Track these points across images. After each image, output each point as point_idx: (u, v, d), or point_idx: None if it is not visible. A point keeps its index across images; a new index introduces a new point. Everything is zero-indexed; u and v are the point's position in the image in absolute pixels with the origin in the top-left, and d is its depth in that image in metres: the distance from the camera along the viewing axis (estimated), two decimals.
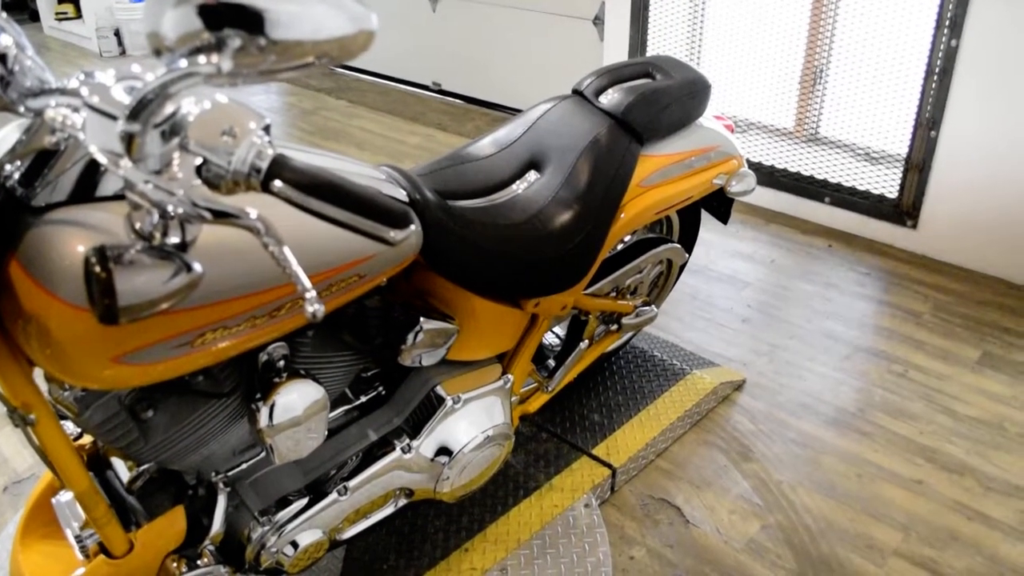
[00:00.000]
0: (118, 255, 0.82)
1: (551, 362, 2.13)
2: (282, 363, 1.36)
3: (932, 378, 2.56)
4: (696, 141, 2.01)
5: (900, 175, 3.30)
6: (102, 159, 0.85)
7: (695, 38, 3.88)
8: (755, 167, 3.70)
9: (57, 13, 7.20)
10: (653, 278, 2.28)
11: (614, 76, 1.94)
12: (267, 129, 0.87)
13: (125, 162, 0.83)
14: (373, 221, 0.88)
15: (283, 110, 5.31)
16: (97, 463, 1.48)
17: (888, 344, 2.73)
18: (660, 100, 1.90)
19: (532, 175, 1.79)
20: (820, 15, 3.46)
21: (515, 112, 4.93)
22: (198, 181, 0.86)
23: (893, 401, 2.46)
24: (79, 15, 7.00)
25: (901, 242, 3.34)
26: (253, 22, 0.73)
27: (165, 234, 0.87)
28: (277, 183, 0.84)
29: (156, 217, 0.87)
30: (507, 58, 4.87)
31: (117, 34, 6.61)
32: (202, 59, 0.75)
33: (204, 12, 0.73)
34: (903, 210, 3.31)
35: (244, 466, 1.50)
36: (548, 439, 2.20)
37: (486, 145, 1.82)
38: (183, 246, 0.89)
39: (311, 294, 0.85)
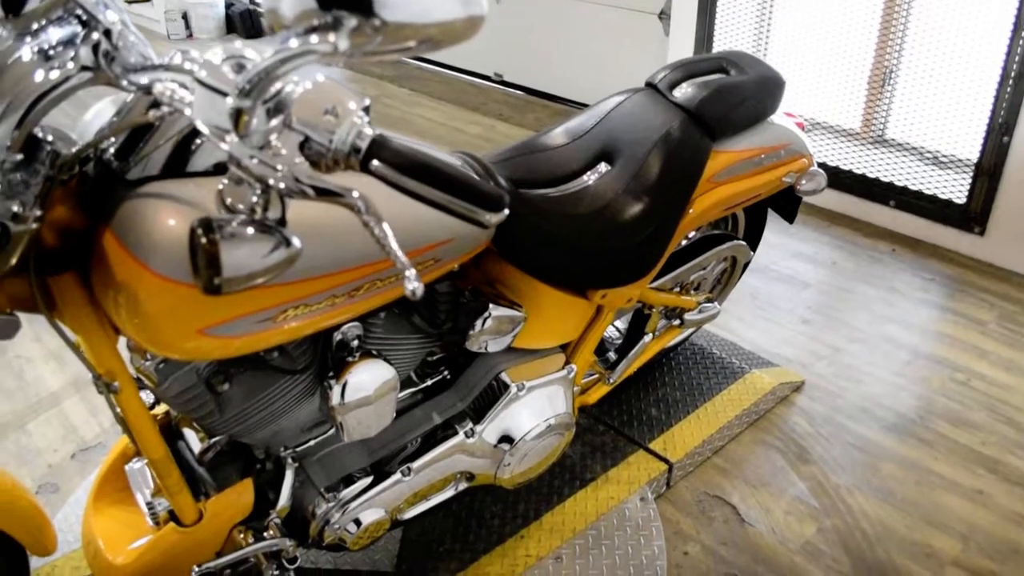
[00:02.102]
0: (222, 227, 0.84)
1: (612, 355, 2.13)
2: (356, 343, 1.39)
3: (995, 388, 2.51)
4: (767, 138, 1.99)
5: (969, 180, 3.23)
6: (208, 133, 0.87)
7: (762, 35, 3.83)
8: (819, 167, 3.64)
9: None
10: (717, 275, 2.27)
11: (688, 70, 1.93)
12: (367, 110, 0.89)
13: (231, 137, 0.86)
14: (469, 203, 0.90)
15: None
16: (169, 434, 1.52)
17: (951, 351, 2.68)
18: (734, 95, 1.89)
19: (603, 167, 1.79)
20: (892, 14, 3.40)
21: (577, 105, 4.93)
22: (300, 158, 0.88)
23: (955, 409, 2.42)
24: None
25: (967, 249, 3.27)
26: (366, 2, 0.75)
27: (266, 209, 0.90)
28: (376, 163, 0.86)
29: (257, 192, 0.89)
30: (570, 51, 4.86)
31: (185, 17, 6.74)
32: (317, 38, 0.77)
33: None
34: (971, 216, 3.24)
35: (312, 443, 1.53)
36: (605, 431, 2.21)
37: (558, 135, 1.83)
38: (283, 221, 0.92)
39: (411, 272, 0.87)
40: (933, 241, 3.37)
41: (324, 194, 0.88)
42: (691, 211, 1.84)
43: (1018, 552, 1.94)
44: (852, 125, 3.70)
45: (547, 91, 5.11)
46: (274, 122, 0.88)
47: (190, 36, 6.81)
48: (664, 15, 4.26)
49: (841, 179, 3.60)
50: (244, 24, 6.71)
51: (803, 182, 2.07)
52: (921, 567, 1.90)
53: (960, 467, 2.20)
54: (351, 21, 0.76)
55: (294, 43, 0.79)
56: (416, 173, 0.87)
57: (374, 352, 1.43)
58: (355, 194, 0.88)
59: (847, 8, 3.54)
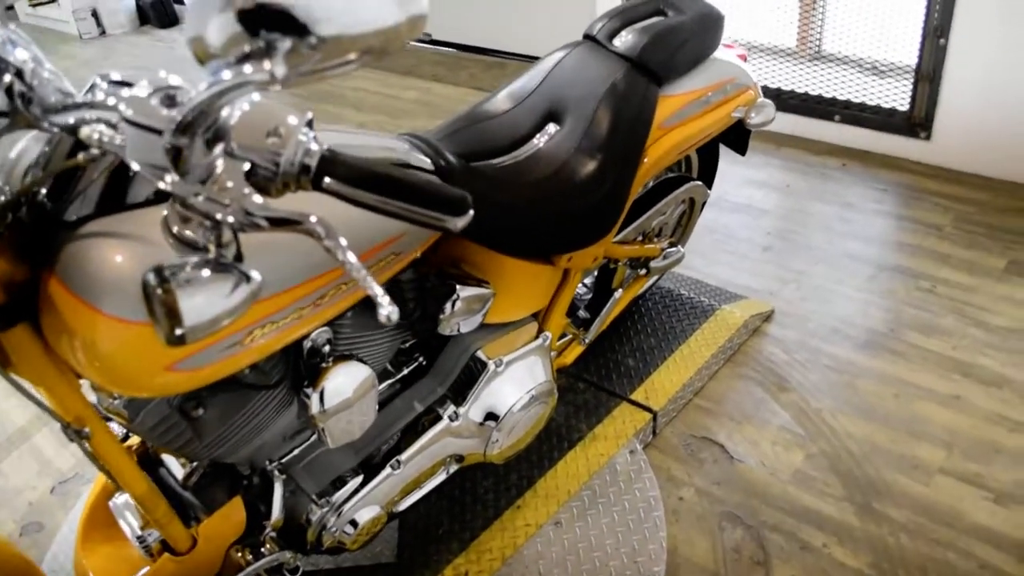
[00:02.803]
0: (176, 273, 0.80)
1: (583, 313, 2.12)
2: (327, 348, 1.35)
3: (960, 291, 2.55)
4: (712, 75, 1.96)
5: (910, 87, 3.24)
6: (147, 175, 0.82)
7: None
8: (762, 90, 3.63)
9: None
10: (677, 218, 2.26)
11: (626, 17, 1.89)
12: (310, 124, 0.84)
13: (171, 176, 0.81)
14: (431, 210, 0.86)
15: None
16: (149, 461, 1.48)
17: (912, 260, 2.72)
18: (675, 38, 1.85)
19: (552, 127, 1.75)
20: None
21: (511, 57, 4.85)
22: (248, 188, 0.83)
23: (923, 318, 2.45)
24: None
25: (916, 155, 3.30)
26: (298, 22, 0.69)
27: (220, 244, 0.85)
28: (328, 180, 0.82)
29: (207, 228, 0.84)
30: (496, 2, 4.76)
31: (95, 14, 6.48)
32: (252, 67, 0.72)
33: (245, 17, 0.70)
34: (915, 122, 3.26)
35: (296, 451, 1.50)
36: (586, 389, 2.21)
37: (501, 100, 1.79)
38: (239, 256, 0.87)
39: (384, 298, 0.83)
40: (882, 151, 3.39)
41: (279, 224, 0.83)
42: (646, 160, 1.82)
43: (1001, 452, 1.99)
44: (789, 44, 3.68)
45: (479, 45, 5.01)
46: (215, 152, 0.82)
47: (103, 34, 6.55)
48: None
49: (784, 100, 3.59)
50: (157, 13, 6.47)
51: (752, 115, 2.05)
52: (910, 479, 1.94)
53: (935, 375, 2.24)
54: (284, 43, 0.70)
55: (227, 74, 0.74)
56: (372, 185, 0.83)
57: (347, 353, 1.40)
58: (313, 219, 0.84)
59: None
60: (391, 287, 1.50)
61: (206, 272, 0.81)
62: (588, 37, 1.89)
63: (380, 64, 4.99)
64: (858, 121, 3.41)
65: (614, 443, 2.04)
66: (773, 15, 3.65)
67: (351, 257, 0.83)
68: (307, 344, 1.34)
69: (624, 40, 1.83)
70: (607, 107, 1.73)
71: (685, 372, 2.24)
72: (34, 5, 7.04)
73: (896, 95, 3.30)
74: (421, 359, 1.68)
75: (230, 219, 0.81)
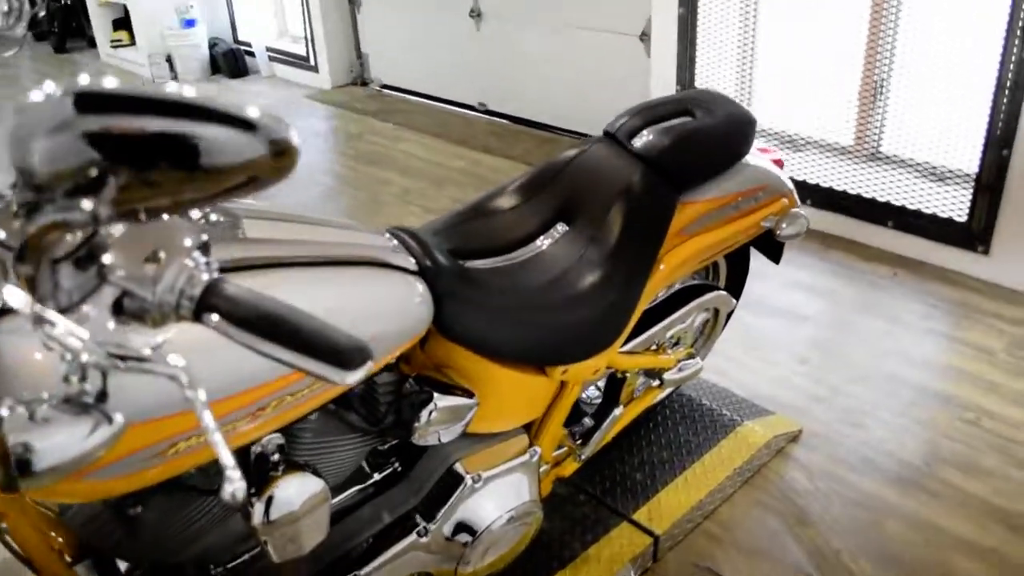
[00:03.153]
0: (31, 412, 0.70)
1: (588, 421, 1.98)
2: (276, 456, 1.25)
3: (1007, 427, 2.35)
4: (741, 182, 1.85)
5: (970, 196, 3.07)
6: (7, 299, 0.73)
7: (747, 51, 3.69)
8: (812, 188, 3.49)
9: (112, 40, 7.30)
10: (698, 327, 2.12)
11: (649, 115, 1.79)
12: (205, 247, 0.75)
13: (29, 301, 0.72)
14: (318, 361, 0.75)
15: (328, 134, 5.26)
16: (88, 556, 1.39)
17: (959, 387, 2.52)
18: (700, 141, 1.75)
19: (560, 228, 1.65)
20: (880, 24, 3.25)
21: (563, 133, 4.79)
22: (112, 321, 0.74)
23: (964, 454, 2.25)
24: (133, 42, 7.08)
25: (972, 270, 3.10)
26: (142, 152, 0.61)
27: (84, 379, 0.76)
28: (211, 315, 0.72)
29: (68, 361, 0.75)
30: (554, 77, 4.73)
31: (169, 60, 6.67)
32: (74, 204, 0.62)
33: (86, 142, 0.61)
34: (973, 235, 3.07)
35: (247, 557, 1.39)
36: (586, 502, 2.06)
37: (509, 195, 1.70)
38: (103, 395, 0.78)
39: (233, 472, 0.73)
40: (936, 263, 3.20)
41: (138, 366, 0.74)
42: (661, 269, 1.70)
43: None
44: (845, 141, 3.54)
45: (533, 119, 4.98)
46: (86, 275, 0.73)
47: (174, 79, 6.72)
48: (645, 36, 4.13)
49: (836, 200, 3.44)
50: (228, 64, 6.62)
51: (784, 226, 1.92)
52: None
53: (972, 522, 2.04)
54: (117, 178, 0.61)
55: (47, 215, 0.64)
56: (257, 327, 0.73)
57: (301, 462, 1.29)
58: (175, 362, 0.74)
59: (833, 20, 3.39)
60: (364, 389, 1.40)
61: (63, 412, 0.72)
62: (608, 134, 1.79)
63: (428, 131, 4.99)
64: (913, 229, 3.24)
65: (608, 567, 1.88)
66: (831, 110, 3.52)
67: (207, 418, 0.73)
68: (255, 450, 1.24)
69: (645, 141, 1.73)
70: (620, 211, 1.63)
71: (696, 493, 2.08)
72: (114, 46, 7.29)
73: (954, 204, 3.12)
74: (397, 465, 1.57)
75: (84, 357, 0.72)
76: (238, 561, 1.39)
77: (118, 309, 0.74)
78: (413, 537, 1.51)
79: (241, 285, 0.75)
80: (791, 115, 3.65)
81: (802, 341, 2.79)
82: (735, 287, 2.22)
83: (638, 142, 1.73)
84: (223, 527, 1.30)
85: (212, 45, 6.72)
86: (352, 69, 6.13)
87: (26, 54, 8.28)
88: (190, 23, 6.56)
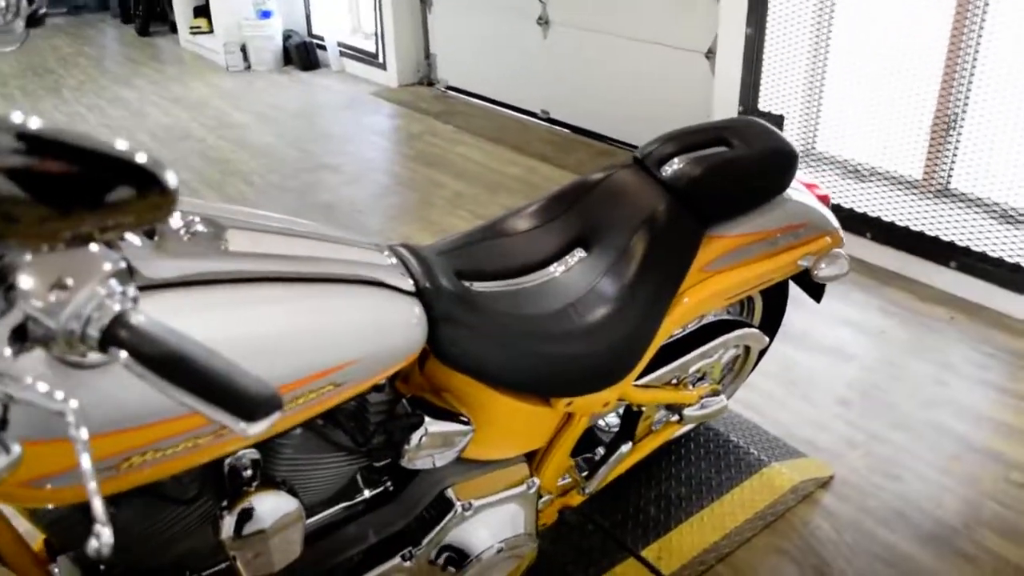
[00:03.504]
0: None
1: (600, 450, 1.92)
2: (249, 472, 1.22)
3: None
4: (779, 218, 1.76)
5: None
6: None
7: (816, 75, 3.57)
8: (873, 221, 3.35)
9: (192, 27, 7.47)
10: (727, 364, 2.03)
11: (682, 143, 1.72)
12: (122, 275, 0.72)
13: None
14: (221, 408, 0.71)
15: (390, 132, 5.28)
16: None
17: (1008, 444, 2.37)
18: (732, 173, 1.66)
19: (578, 254, 1.59)
20: (958, 53, 3.09)
21: (622, 146, 4.72)
22: (9, 350, 0.71)
23: (1007, 518, 2.11)
24: (211, 29, 7.24)
25: None
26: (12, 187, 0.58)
27: None
28: (117, 349, 0.69)
29: None
30: (617, 89, 4.66)
31: (243, 50, 6.78)
32: None
33: None
34: None
35: (223, 566, 1.37)
36: (594, 532, 1.99)
37: (527, 217, 1.64)
38: (3, 423, 0.75)
39: (103, 528, 0.70)
40: (997, 309, 3.03)
41: (25, 397, 0.71)
42: (683, 303, 1.62)
43: None
44: (913, 174, 3.39)
45: (593, 130, 4.91)
46: None
47: (248, 68, 6.84)
48: (711, 53, 4.02)
49: (897, 235, 3.29)
50: (300, 56, 6.71)
51: (822, 266, 1.82)
52: None
53: None
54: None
55: None
56: (160, 366, 0.69)
57: (278, 479, 1.26)
58: (64, 400, 0.71)
59: (909, 48, 3.25)
60: (356, 407, 1.36)
61: None
62: (637, 160, 1.72)
63: (487, 136, 4.96)
64: (976, 272, 3.07)
65: None
66: (900, 141, 3.38)
67: (85, 462, 0.69)
68: (229, 462, 1.21)
69: (674, 169, 1.65)
70: (641, 241, 1.56)
71: (711, 535, 2.00)
72: (193, 33, 7.46)
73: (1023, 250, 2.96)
74: (389, 484, 1.53)
75: None
76: (215, 569, 1.37)
77: (22, 335, 0.71)
78: (397, 560, 1.46)
79: (155, 319, 0.71)
80: (858, 144, 3.51)
81: (845, 382, 2.67)
82: (771, 324, 2.13)
83: (667, 170, 1.66)
84: (199, 536, 1.28)
85: (286, 37, 6.82)
86: (419, 69, 6.14)
87: (112, 35, 8.54)
88: (266, 14, 6.67)
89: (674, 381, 1.89)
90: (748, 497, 2.11)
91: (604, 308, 1.49)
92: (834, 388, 2.64)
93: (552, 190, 1.70)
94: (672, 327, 1.64)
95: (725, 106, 3.76)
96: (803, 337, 2.89)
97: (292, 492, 1.25)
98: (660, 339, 1.63)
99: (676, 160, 1.67)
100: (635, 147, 4.67)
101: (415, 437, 1.36)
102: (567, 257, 1.60)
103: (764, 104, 3.63)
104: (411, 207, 4.11)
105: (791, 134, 3.61)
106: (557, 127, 5.12)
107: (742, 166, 1.67)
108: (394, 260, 1.34)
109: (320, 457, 1.33)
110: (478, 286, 1.50)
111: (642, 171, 1.68)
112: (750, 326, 1.95)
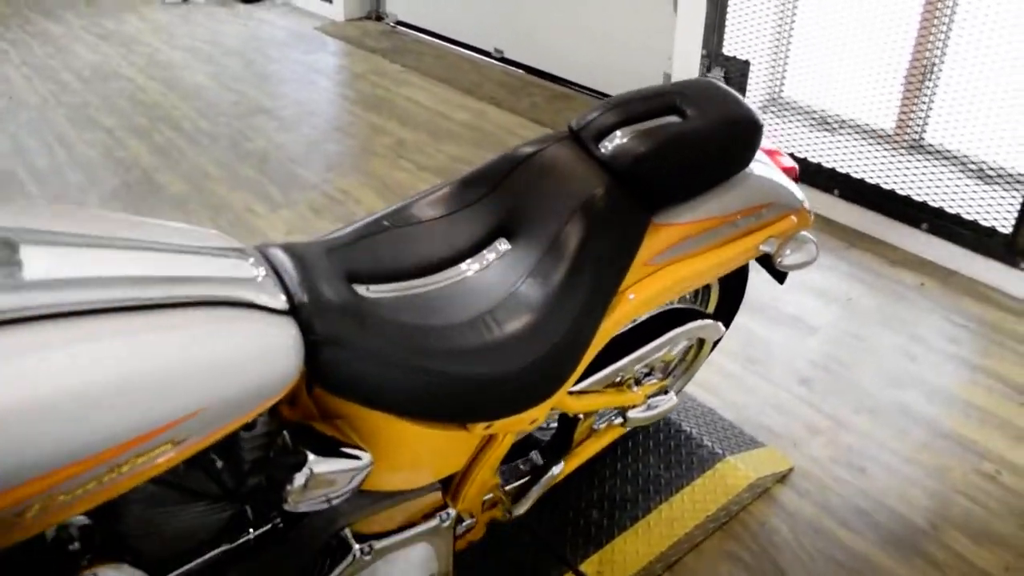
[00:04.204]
0: None
1: (536, 455, 1.70)
2: (78, 545, 0.99)
3: None
4: (738, 199, 1.53)
5: (1018, 205, 2.70)
6: None
7: (785, 17, 3.30)
8: (841, 178, 3.13)
9: None
10: (677, 356, 1.82)
11: (626, 112, 1.46)
12: None
13: None
14: None
15: (333, 72, 4.92)
16: None
17: (980, 431, 2.20)
18: (684, 150, 1.42)
19: (501, 246, 1.35)
20: None
21: (577, 88, 4.43)
22: None
23: (977, 516, 1.95)
24: None
25: (1012, 288, 2.75)
26: None
27: None
28: None
29: None
30: (576, 28, 4.34)
31: None
32: None
33: None
34: (1017, 249, 2.72)
35: None
36: (529, 543, 1.79)
37: (443, 199, 1.39)
38: None
39: None
40: (970, 275, 2.85)
41: None
42: (627, 301, 1.40)
43: None
44: (885, 125, 3.16)
45: (548, 71, 4.60)
46: None
47: (185, 0, 6.38)
48: None
49: (867, 193, 3.08)
50: None
51: (787, 252, 1.60)
52: None
53: None
54: None
55: None
56: None
57: (125, 542, 1.03)
58: None
59: None
60: (226, 445, 1.12)
61: None
62: (573, 133, 1.47)
63: (437, 76, 4.64)
64: (949, 235, 2.88)
65: None
66: (873, 90, 3.13)
67: None
68: (50, 536, 0.98)
69: (615, 145, 1.40)
70: (574, 232, 1.32)
71: (658, 543, 1.81)
72: None
73: (1000, 212, 2.76)
74: (279, 521, 1.30)
75: None
76: None
77: None
78: None
79: None
80: (828, 93, 3.27)
81: (807, 357, 2.48)
82: (727, 310, 1.91)
83: (607, 146, 1.41)
84: None
85: None
86: (367, 2, 5.75)
87: None
88: None
89: (617, 380, 1.67)
90: (700, 496, 1.92)
91: (528, 316, 1.26)
92: (795, 364, 2.45)
93: (473, 167, 1.44)
94: (613, 329, 1.42)
95: (687, 50, 3.49)
96: (764, 308, 2.69)
97: (140, 559, 1.02)
98: (599, 345, 1.41)
99: (618, 133, 1.41)
100: (593, 91, 4.41)
101: (298, 479, 1.13)
102: (485, 251, 1.36)
103: (729, 48, 3.36)
104: (351, 156, 3.81)
105: (757, 80, 3.35)
106: (511, 67, 4.80)
107: (696, 141, 1.42)
108: (262, 269, 1.09)
109: (179, 510, 1.10)
110: (375, 290, 1.25)
111: (578, 146, 1.43)
112: (705, 316, 1.73)
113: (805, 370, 2.43)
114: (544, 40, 4.56)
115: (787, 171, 1.68)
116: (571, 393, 1.52)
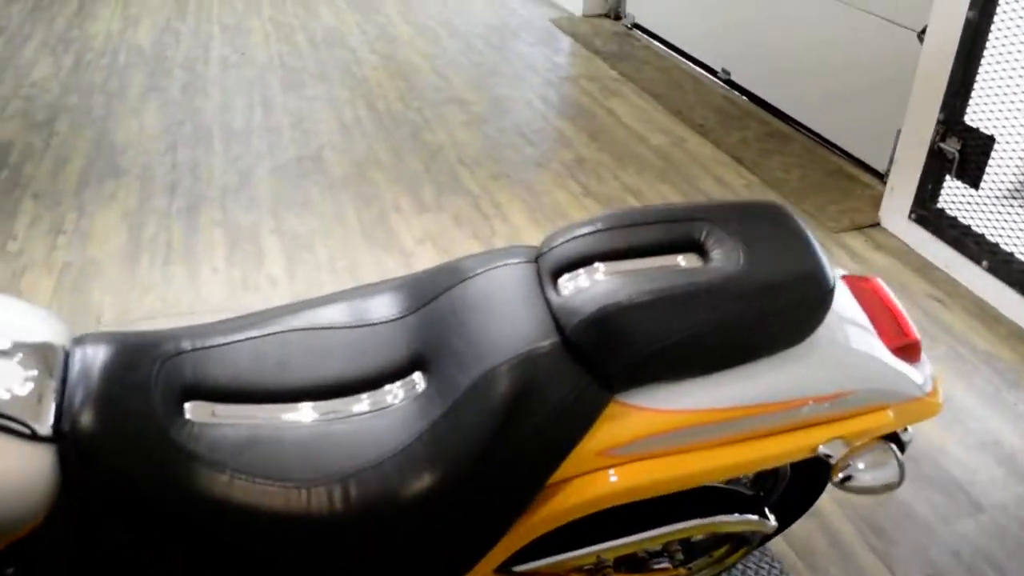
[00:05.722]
0: None
1: None
2: None
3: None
4: (772, 384, 1.06)
5: None
6: None
7: None
8: None
9: None
10: (700, 544, 1.37)
11: (613, 239, 1.04)
12: None
13: None
14: None
15: (547, 70, 4.65)
16: None
17: None
18: (678, 316, 0.98)
19: (418, 379, 1.01)
20: None
21: (798, 129, 3.84)
22: None
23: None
24: None
25: None
26: None
27: None
28: None
29: None
30: (808, 57, 3.75)
31: None
32: None
33: None
34: None
35: None
36: None
37: (363, 303, 1.07)
38: None
39: None
40: None
41: None
42: (561, 496, 1.00)
43: None
44: None
45: (772, 102, 4.03)
46: None
47: None
48: (923, 35, 3.05)
49: None
50: None
51: (860, 467, 1.11)
52: None
53: None
54: None
55: None
56: None
57: None
58: None
59: None
60: None
61: None
62: (540, 256, 1.08)
63: (650, 90, 4.24)
64: None
65: None
66: None
67: None
68: None
69: (573, 290, 1.00)
70: (496, 394, 0.95)
71: None
72: None
73: None
74: None
75: None
76: None
77: None
78: None
79: None
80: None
81: (954, 546, 1.88)
82: (800, 499, 1.41)
83: (568, 286, 1.01)
84: None
85: None
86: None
87: None
88: None
89: (593, 565, 1.26)
90: None
91: (410, 491, 0.91)
92: (931, 555, 1.86)
93: (413, 273, 1.10)
94: (542, 527, 1.03)
95: (922, 111, 2.84)
96: (916, 456, 2.09)
97: None
98: (517, 543, 1.03)
99: (582, 274, 1.01)
100: (814, 134, 3.79)
101: None
102: (402, 383, 1.02)
103: (972, 116, 2.68)
104: (521, 167, 3.53)
105: (1003, 165, 2.65)
106: (735, 93, 4.28)
107: (707, 303, 0.98)
108: (40, 378, 0.84)
109: None
110: (221, 415, 0.96)
111: (535, 277, 1.04)
112: (751, 507, 1.27)
113: (945, 565, 1.84)
114: (774, 66, 4.00)
115: (906, 349, 1.17)
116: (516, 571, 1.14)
